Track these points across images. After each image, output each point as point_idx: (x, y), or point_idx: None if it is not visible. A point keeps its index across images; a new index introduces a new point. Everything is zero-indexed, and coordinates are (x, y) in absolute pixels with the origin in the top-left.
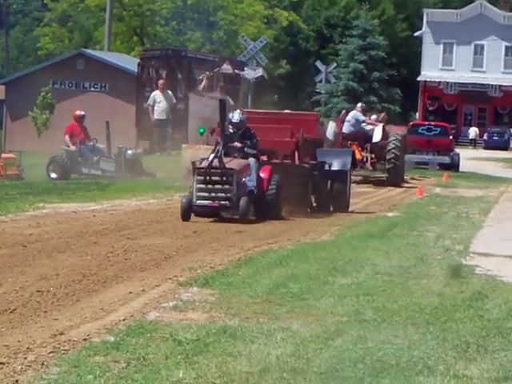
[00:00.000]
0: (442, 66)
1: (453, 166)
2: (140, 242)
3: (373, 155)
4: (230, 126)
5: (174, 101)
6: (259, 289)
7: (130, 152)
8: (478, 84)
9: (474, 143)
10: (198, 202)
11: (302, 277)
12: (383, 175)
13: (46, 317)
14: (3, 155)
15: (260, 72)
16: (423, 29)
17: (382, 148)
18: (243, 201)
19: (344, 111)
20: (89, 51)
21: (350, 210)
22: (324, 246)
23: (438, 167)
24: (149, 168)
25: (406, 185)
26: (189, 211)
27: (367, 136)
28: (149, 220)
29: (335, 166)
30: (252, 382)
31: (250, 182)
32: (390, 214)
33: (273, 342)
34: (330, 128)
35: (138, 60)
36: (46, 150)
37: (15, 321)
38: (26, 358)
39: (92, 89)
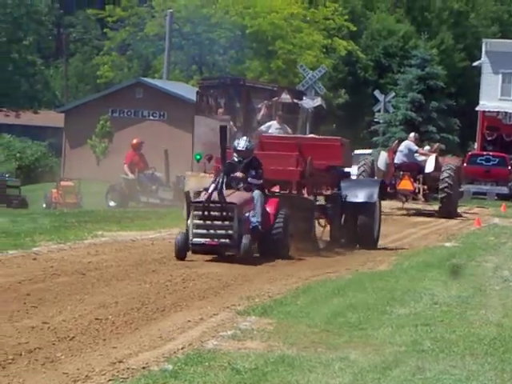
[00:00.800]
0: (500, 96)
1: (511, 197)
2: (198, 270)
3: (425, 186)
4: (234, 154)
5: (235, 129)
6: (317, 318)
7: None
8: None
9: None
10: (195, 239)
11: (359, 306)
12: (435, 207)
13: (104, 345)
14: (62, 183)
15: (319, 101)
16: (482, 59)
17: (435, 179)
18: (245, 239)
19: (396, 141)
20: (147, 80)
21: (394, 245)
22: (382, 275)
23: (496, 197)
24: None
25: (465, 214)
26: (184, 250)
27: (420, 167)
28: None
29: (360, 198)
30: None
31: (254, 217)
32: (448, 244)
33: (331, 372)
34: (382, 158)
35: (197, 89)
36: (105, 178)
37: (74, 348)
38: None
39: (150, 117)
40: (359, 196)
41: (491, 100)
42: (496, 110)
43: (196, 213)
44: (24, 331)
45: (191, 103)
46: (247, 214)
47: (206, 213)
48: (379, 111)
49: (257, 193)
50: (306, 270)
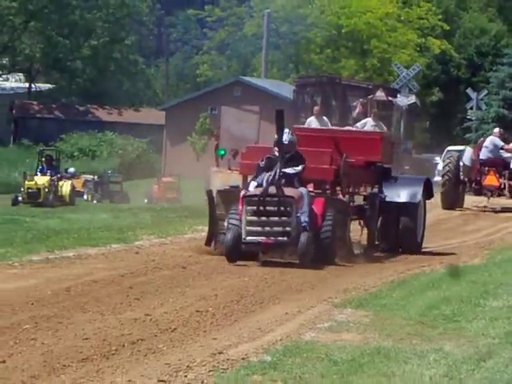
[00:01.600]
0: None
1: None
2: (296, 264)
3: (511, 182)
4: (275, 149)
5: (330, 126)
6: (412, 310)
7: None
8: None
9: None
10: (249, 238)
11: (453, 299)
12: None
13: (205, 336)
14: (163, 179)
15: (413, 99)
16: None
17: None
18: (304, 236)
19: (483, 138)
20: (246, 78)
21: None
22: (475, 269)
23: None
24: None
25: None
26: (237, 250)
27: (505, 163)
28: None
29: (402, 198)
30: None
31: (303, 216)
32: None
33: (426, 363)
34: (467, 154)
35: (293, 87)
36: (204, 174)
37: (176, 340)
38: (186, 376)
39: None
40: (401, 196)
41: None
42: None
43: (250, 208)
44: (127, 323)
45: (288, 101)
46: (299, 212)
47: (261, 208)
48: (472, 109)
49: (303, 189)
50: (400, 265)
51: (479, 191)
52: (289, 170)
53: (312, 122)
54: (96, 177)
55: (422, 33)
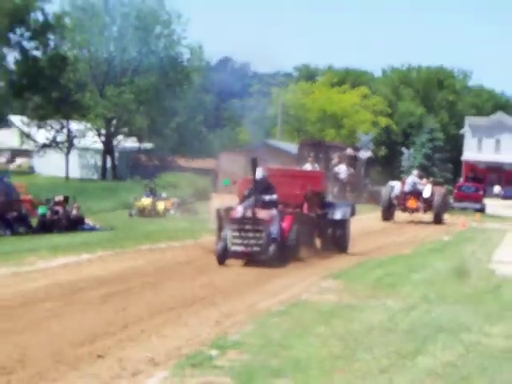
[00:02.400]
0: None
1: (481, 210)
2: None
3: (425, 205)
4: (253, 183)
5: (318, 169)
6: (368, 280)
7: None
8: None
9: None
10: (233, 248)
11: (393, 274)
12: (430, 217)
13: (243, 295)
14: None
15: (369, 154)
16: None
17: (431, 200)
18: (272, 247)
19: (405, 176)
20: (269, 141)
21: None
22: (405, 257)
23: (474, 210)
24: None
25: (454, 221)
26: (224, 256)
27: (420, 192)
28: None
29: (337, 216)
30: (363, 335)
31: (274, 230)
32: (445, 238)
33: (375, 312)
34: (397, 187)
35: (298, 146)
36: None
37: (226, 297)
38: (232, 319)
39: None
40: (337, 214)
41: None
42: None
43: (233, 226)
44: (197, 287)
45: (291, 154)
46: (271, 228)
47: (241, 226)
48: (405, 160)
49: (275, 211)
50: (358, 255)
51: (404, 210)
52: (267, 198)
53: (308, 167)
54: (178, 199)
55: (375, 114)
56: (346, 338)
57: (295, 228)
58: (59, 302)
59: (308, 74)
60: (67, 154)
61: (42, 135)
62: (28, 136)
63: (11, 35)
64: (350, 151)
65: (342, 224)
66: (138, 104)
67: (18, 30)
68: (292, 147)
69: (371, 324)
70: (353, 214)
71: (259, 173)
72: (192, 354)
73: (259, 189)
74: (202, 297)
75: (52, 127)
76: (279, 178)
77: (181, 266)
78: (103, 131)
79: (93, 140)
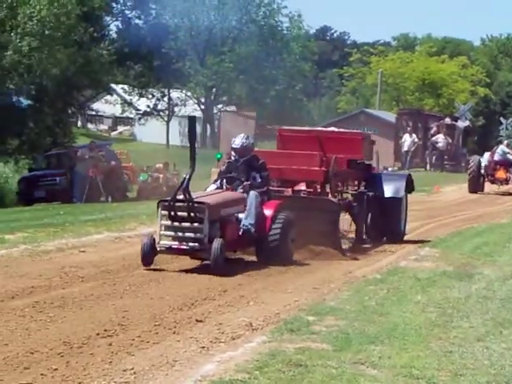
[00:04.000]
0: None
1: None
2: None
3: None
4: (232, 153)
5: (416, 140)
6: (465, 249)
7: (390, 169)
8: None
9: None
10: (162, 242)
11: (490, 243)
12: None
13: (341, 264)
14: None
15: (467, 123)
16: None
17: None
18: (216, 243)
19: (496, 146)
20: (367, 110)
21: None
22: (504, 225)
23: None
24: None
25: None
26: (151, 254)
27: (510, 163)
28: None
29: (387, 193)
30: (461, 303)
31: (247, 219)
32: None
33: (473, 281)
34: (485, 157)
35: (396, 115)
36: None
37: (322, 264)
38: (329, 286)
39: (369, 132)
40: (386, 191)
41: None
42: None
43: (163, 212)
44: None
45: (390, 123)
46: (239, 215)
47: (172, 213)
48: (503, 129)
49: (252, 193)
50: (458, 223)
51: (493, 181)
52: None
53: (406, 137)
54: None
55: (473, 83)
56: (443, 306)
57: (283, 219)
58: (159, 267)
59: (407, 44)
60: (168, 121)
61: (143, 103)
62: (130, 104)
63: (114, 4)
64: (448, 121)
65: (393, 204)
66: (238, 72)
67: (121, 0)
68: (391, 116)
69: (468, 292)
70: (410, 189)
71: (238, 140)
72: (290, 319)
73: (238, 164)
74: (298, 263)
75: (153, 95)
76: (291, 143)
77: None
78: (203, 99)
79: (193, 108)
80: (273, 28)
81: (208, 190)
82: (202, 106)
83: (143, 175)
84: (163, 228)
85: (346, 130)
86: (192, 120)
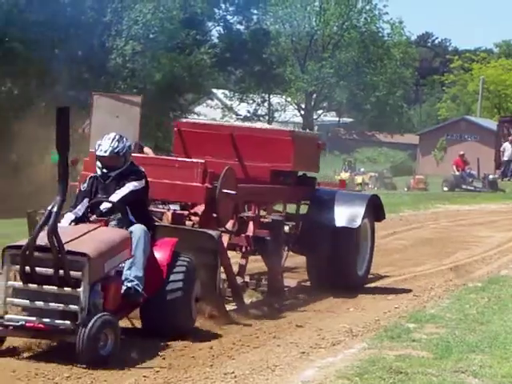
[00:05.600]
0: None
1: None
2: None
3: None
4: (97, 164)
5: None
6: None
7: (491, 176)
8: None
9: None
10: (7, 317)
11: None
12: None
13: (443, 275)
14: (416, 176)
15: None
16: None
17: None
18: (96, 321)
19: None
20: (468, 117)
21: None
22: None
23: None
24: (503, 186)
25: None
26: None
27: None
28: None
29: (339, 221)
30: None
31: (130, 270)
32: None
33: None
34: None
35: (497, 123)
36: (442, 174)
37: (425, 274)
38: (430, 293)
39: (469, 139)
40: (337, 218)
41: None
42: None
43: (11, 267)
44: None
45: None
46: (121, 265)
47: (27, 269)
48: None
49: (138, 228)
50: None
51: None
52: (112, 197)
53: (506, 146)
54: (376, 174)
55: None
56: None
57: (185, 265)
58: None
59: (509, 50)
60: None
61: (244, 108)
62: (230, 109)
63: (216, 10)
64: None
65: (346, 237)
66: (338, 78)
67: (223, 5)
68: (492, 124)
69: None
70: (377, 216)
71: (105, 143)
72: (390, 326)
73: (108, 180)
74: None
75: (253, 100)
76: (195, 146)
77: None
78: (303, 105)
79: (293, 114)
80: (374, 34)
81: (63, 224)
82: (302, 112)
83: None
84: (11, 293)
85: (273, 128)
86: (63, 112)
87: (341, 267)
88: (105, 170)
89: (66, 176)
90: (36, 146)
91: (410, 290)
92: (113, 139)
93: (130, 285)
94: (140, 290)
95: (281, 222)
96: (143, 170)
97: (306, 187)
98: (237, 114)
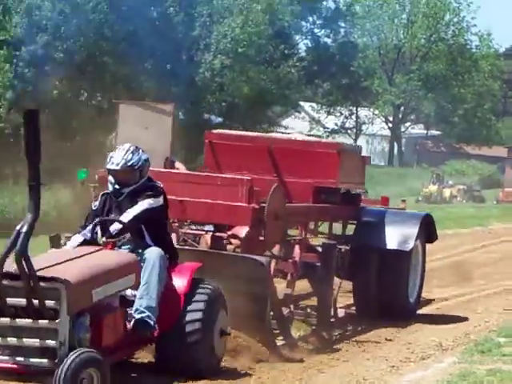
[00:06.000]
0: None
1: None
2: None
3: None
4: (110, 179)
5: None
6: None
7: None
8: None
9: None
10: None
11: None
12: None
13: None
14: (505, 189)
15: None
16: None
17: None
18: (74, 360)
19: None
20: None
21: None
22: None
23: None
24: None
25: None
26: None
27: None
28: None
29: (389, 243)
30: None
31: (142, 300)
32: None
33: None
34: None
35: None
36: None
37: None
38: None
39: None
40: (387, 241)
41: None
42: None
43: None
44: None
45: None
46: (129, 293)
47: None
48: None
49: (153, 252)
50: None
51: None
52: (122, 216)
53: None
54: (465, 187)
55: None
56: None
57: (207, 295)
58: None
59: None
60: (355, 139)
61: (331, 121)
62: (317, 122)
63: (303, 23)
64: None
65: (397, 262)
66: (426, 91)
67: (311, 18)
68: None
69: None
70: (429, 237)
71: (117, 156)
72: (480, 340)
73: (120, 197)
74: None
75: (341, 113)
76: (228, 159)
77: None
78: (391, 118)
79: (380, 126)
80: (462, 46)
81: (67, 248)
82: (390, 125)
83: None
84: None
85: (315, 139)
86: (32, 115)
87: (391, 294)
88: (117, 186)
89: (37, 189)
90: None
91: (500, 305)
92: (127, 151)
93: (139, 316)
94: (152, 322)
95: (333, 245)
96: (161, 185)
97: (352, 205)
98: (324, 127)
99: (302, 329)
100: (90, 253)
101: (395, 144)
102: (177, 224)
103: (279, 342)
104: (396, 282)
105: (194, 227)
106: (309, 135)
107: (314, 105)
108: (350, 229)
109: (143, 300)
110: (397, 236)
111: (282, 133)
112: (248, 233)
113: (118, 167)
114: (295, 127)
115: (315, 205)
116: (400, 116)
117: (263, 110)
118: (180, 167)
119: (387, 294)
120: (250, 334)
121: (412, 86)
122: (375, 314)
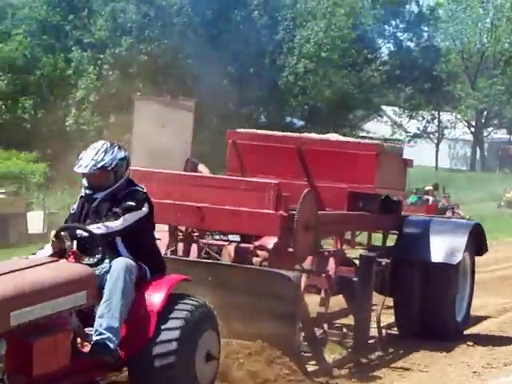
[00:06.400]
0: None
1: None
2: None
3: None
4: (84, 181)
5: None
6: None
7: None
8: None
9: None
10: None
11: None
12: None
13: None
14: None
15: None
16: None
17: None
18: None
19: None
20: None
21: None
22: None
23: None
24: None
25: None
26: None
27: None
28: None
29: (435, 256)
30: None
31: (103, 319)
32: None
33: None
34: None
35: None
36: None
37: None
38: None
39: None
40: (432, 253)
41: None
42: None
43: None
44: None
45: None
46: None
47: None
48: None
49: (119, 263)
50: None
51: None
52: (97, 228)
53: None
54: None
55: None
56: None
57: (186, 315)
58: None
59: None
60: (437, 144)
61: (413, 125)
62: (400, 126)
63: (386, 27)
64: None
65: (443, 276)
66: (510, 95)
67: (393, 22)
68: None
69: None
70: (479, 249)
71: (87, 157)
72: None
73: (93, 203)
74: None
75: (423, 117)
76: (254, 161)
77: None
78: (473, 122)
79: (463, 131)
80: None
81: (41, 254)
82: (472, 129)
83: (412, 197)
84: None
85: (351, 140)
86: None
87: (436, 312)
88: (88, 191)
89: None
90: (207, 164)
91: None
92: (98, 150)
93: (97, 338)
94: (112, 345)
95: (373, 258)
96: (144, 189)
97: (393, 214)
98: (406, 131)
99: (337, 351)
100: (32, 266)
101: (477, 149)
102: (197, 234)
103: (311, 367)
104: (442, 298)
105: (217, 237)
106: (390, 139)
107: (396, 109)
108: (391, 239)
109: (103, 319)
110: (443, 248)
111: (362, 137)
112: (276, 244)
113: (86, 170)
114: (377, 131)
115: (351, 213)
116: (483, 120)
117: (345, 113)
118: (204, 170)
119: (432, 312)
120: (278, 358)
121: (495, 91)
122: (419, 334)
